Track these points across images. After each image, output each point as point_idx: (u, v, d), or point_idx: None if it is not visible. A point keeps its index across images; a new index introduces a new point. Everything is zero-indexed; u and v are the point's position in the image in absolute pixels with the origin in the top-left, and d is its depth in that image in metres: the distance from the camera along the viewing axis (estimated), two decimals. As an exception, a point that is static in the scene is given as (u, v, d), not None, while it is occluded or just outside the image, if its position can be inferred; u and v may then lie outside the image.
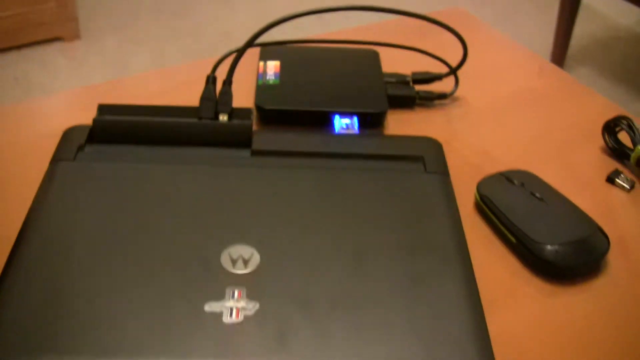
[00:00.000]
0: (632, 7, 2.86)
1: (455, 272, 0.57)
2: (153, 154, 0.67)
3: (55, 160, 0.65)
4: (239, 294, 0.53)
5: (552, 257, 0.60)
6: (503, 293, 0.59)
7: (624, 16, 2.93)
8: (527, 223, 0.62)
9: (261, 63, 0.80)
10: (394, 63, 0.84)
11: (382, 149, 0.69)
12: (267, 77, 0.78)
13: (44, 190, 0.62)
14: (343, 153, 0.68)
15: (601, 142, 0.77)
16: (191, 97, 0.75)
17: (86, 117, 0.74)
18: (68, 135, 0.69)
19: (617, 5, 2.95)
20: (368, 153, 0.68)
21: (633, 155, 0.72)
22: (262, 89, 0.77)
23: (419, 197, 0.63)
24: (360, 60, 0.83)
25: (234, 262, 0.56)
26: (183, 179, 0.63)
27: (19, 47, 2.48)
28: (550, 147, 0.76)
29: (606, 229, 0.64)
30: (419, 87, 0.81)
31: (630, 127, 0.74)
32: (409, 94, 0.79)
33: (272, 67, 0.80)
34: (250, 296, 0.53)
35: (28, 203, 0.61)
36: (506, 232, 0.63)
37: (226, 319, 0.52)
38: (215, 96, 0.71)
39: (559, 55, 2.49)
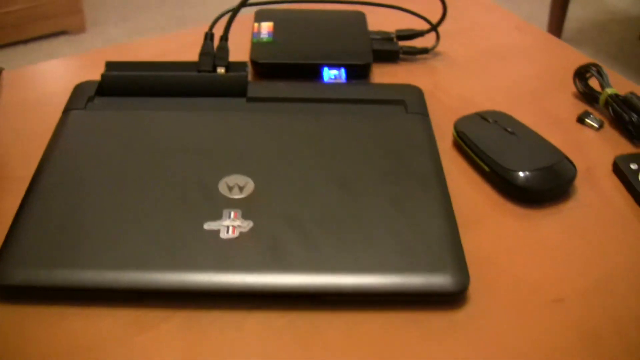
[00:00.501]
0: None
1: (432, 194, 0.62)
2: (157, 104, 0.72)
3: (68, 109, 0.71)
4: (235, 215, 0.59)
5: (522, 182, 0.65)
6: (478, 215, 0.65)
7: (619, -1, 2.99)
8: (499, 153, 0.68)
9: (256, 24, 0.87)
10: (380, 23, 0.90)
11: (367, 95, 0.75)
12: (261, 36, 0.84)
13: (58, 134, 0.68)
14: (331, 98, 0.74)
15: (573, 89, 0.82)
16: (191, 57, 0.81)
17: (95, 74, 0.79)
18: (78, 88, 0.75)
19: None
20: (354, 98, 0.74)
21: (601, 98, 0.78)
22: (257, 45, 0.83)
23: (400, 134, 0.69)
24: (348, 20, 0.89)
25: (230, 188, 0.62)
26: (184, 123, 0.69)
27: (25, 41, 2.55)
28: (525, 93, 0.81)
29: (575, 161, 0.69)
30: (402, 43, 0.87)
31: (599, 73, 0.79)
32: (393, 48, 0.85)
33: (266, 27, 0.86)
34: (245, 216, 0.59)
35: (43, 147, 0.67)
36: (480, 162, 0.68)
37: (223, 235, 0.57)
38: (213, 51, 0.77)
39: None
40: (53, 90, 0.79)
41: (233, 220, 0.59)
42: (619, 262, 0.60)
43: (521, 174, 0.66)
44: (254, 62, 0.80)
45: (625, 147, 0.74)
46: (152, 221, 0.58)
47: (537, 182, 0.66)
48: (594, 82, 0.81)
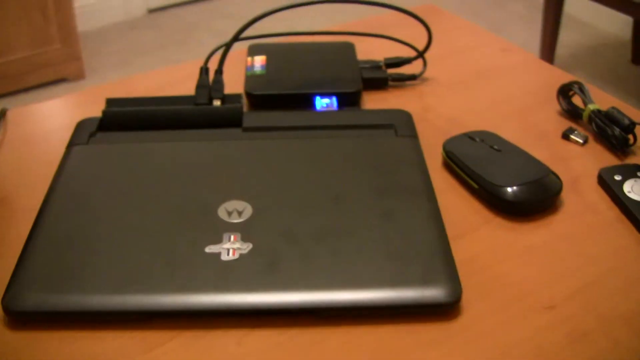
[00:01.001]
0: (616, 14, 2.96)
1: (423, 209, 0.65)
2: (156, 137, 0.75)
3: (71, 144, 0.74)
4: (235, 238, 0.62)
5: (510, 197, 0.68)
6: (468, 228, 0.67)
7: (609, 23, 3.03)
8: (486, 170, 0.70)
9: (249, 57, 0.90)
10: (368, 52, 0.93)
11: (358, 120, 0.78)
12: (255, 68, 0.87)
13: (63, 167, 0.71)
14: (324, 125, 0.77)
15: (557, 107, 0.85)
16: (188, 90, 0.84)
17: (95, 111, 0.83)
18: (81, 125, 0.78)
19: (601, 14, 3.05)
20: (345, 124, 0.77)
21: (584, 114, 0.81)
22: (251, 78, 0.86)
23: (390, 155, 0.72)
24: (337, 50, 0.92)
25: (229, 213, 0.64)
26: (183, 153, 0.72)
27: (26, 90, 2.59)
28: (511, 112, 0.84)
29: (562, 175, 0.71)
30: (391, 71, 0.90)
31: (581, 90, 0.82)
32: (382, 76, 0.88)
33: (259, 60, 0.89)
34: (245, 239, 0.62)
35: (48, 179, 0.70)
36: (469, 179, 0.71)
37: (224, 257, 0.60)
38: (209, 84, 0.80)
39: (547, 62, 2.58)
40: (56, 127, 0.82)
41: (233, 243, 0.61)
42: (606, 267, 0.63)
43: (509, 189, 0.68)
44: (248, 94, 0.83)
45: (610, 160, 0.76)
46: (155, 247, 0.61)
47: (525, 196, 0.68)
48: (577, 100, 0.84)
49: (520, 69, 0.93)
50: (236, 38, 0.82)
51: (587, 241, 0.66)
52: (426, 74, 0.92)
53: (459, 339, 0.56)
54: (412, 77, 0.89)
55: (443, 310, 0.58)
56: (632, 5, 2.23)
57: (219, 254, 0.60)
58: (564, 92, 0.84)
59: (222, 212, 0.64)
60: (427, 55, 0.90)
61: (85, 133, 0.76)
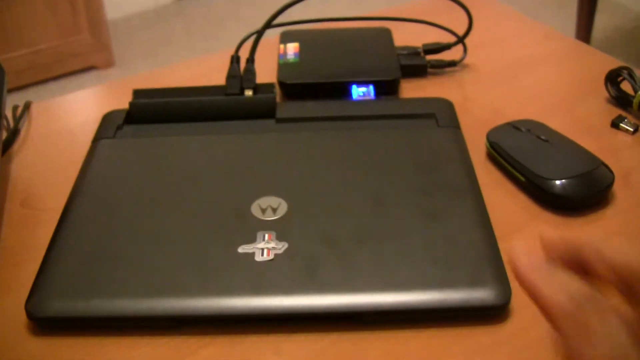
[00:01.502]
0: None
1: (468, 206, 0.61)
2: (186, 129, 0.72)
3: (97, 139, 0.71)
4: (269, 237, 0.58)
5: (560, 190, 0.64)
6: (516, 226, 0.64)
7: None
8: (534, 162, 0.66)
9: (281, 45, 0.86)
10: (406, 38, 0.89)
11: (397, 110, 0.74)
12: (288, 57, 0.84)
13: (88, 163, 0.68)
14: (361, 115, 0.73)
15: (605, 94, 0.81)
16: (218, 80, 0.80)
17: (122, 103, 0.79)
18: (107, 118, 0.75)
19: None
20: (384, 114, 0.73)
21: (635, 101, 0.76)
22: (284, 66, 0.82)
23: (432, 148, 0.68)
24: (373, 37, 0.88)
25: (263, 210, 0.61)
26: (214, 146, 0.69)
27: (56, 78, 2.58)
28: (556, 101, 0.80)
29: (612, 167, 0.67)
30: (430, 57, 0.86)
31: (631, 75, 0.78)
32: (421, 62, 0.84)
33: (292, 48, 0.85)
34: (280, 238, 0.58)
35: (73, 177, 0.67)
36: (515, 172, 0.67)
37: (258, 257, 0.57)
38: (240, 73, 0.77)
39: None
40: (81, 120, 0.79)
41: (267, 242, 0.58)
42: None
43: (558, 182, 0.64)
44: (281, 83, 0.80)
45: (664, 150, 0.72)
46: (186, 247, 0.58)
47: (575, 190, 0.64)
48: (626, 86, 0.79)
49: (563, 55, 0.89)
50: (268, 25, 0.78)
51: (644, 238, 0.62)
52: (466, 61, 0.88)
53: (509, 345, 0.53)
54: (452, 64, 0.85)
55: (491, 314, 0.55)
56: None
57: (252, 254, 0.57)
58: (612, 78, 0.80)
59: (255, 209, 0.61)
60: (466, 41, 0.86)
61: (112, 126, 0.73)
